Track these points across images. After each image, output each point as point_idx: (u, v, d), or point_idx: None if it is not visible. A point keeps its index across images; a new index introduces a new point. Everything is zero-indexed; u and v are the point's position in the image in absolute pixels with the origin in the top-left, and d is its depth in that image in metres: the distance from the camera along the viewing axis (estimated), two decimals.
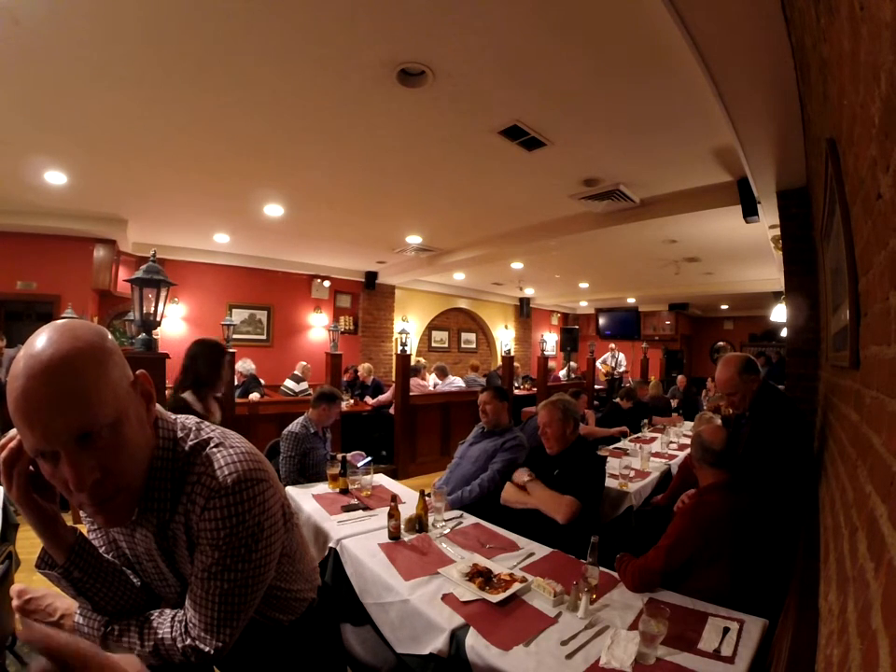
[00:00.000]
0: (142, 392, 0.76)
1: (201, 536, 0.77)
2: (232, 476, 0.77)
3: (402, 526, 1.97)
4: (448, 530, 2.03)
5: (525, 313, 11.39)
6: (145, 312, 3.12)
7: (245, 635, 0.86)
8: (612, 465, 2.87)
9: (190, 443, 0.82)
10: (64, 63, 2.28)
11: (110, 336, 0.74)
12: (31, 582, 0.90)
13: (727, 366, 2.09)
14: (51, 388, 0.62)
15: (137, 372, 0.77)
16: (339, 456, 2.67)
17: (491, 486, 2.44)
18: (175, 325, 6.41)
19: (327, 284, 7.79)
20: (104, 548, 0.92)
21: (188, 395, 2.14)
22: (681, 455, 3.47)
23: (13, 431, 0.69)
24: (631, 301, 10.24)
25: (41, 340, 0.65)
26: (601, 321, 11.05)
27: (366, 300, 8.30)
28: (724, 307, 10.54)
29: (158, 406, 0.83)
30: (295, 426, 2.85)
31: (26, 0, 1.86)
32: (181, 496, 0.79)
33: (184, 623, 0.82)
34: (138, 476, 0.75)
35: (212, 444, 0.82)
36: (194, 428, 0.85)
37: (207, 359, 2.23)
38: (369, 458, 2.88)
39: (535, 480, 2.15)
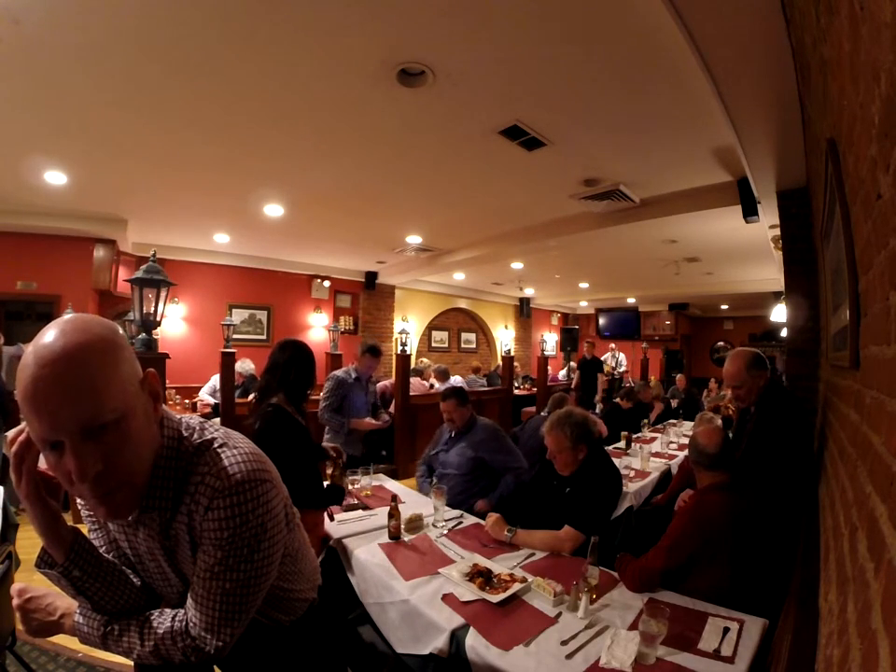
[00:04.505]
0: (150, 391, 0.76)
1: (204, 536, 0.77)
2: (236, 476, 0.77)
3: (402, 526, 1.97)
4: (448, 530, 2.03)
5: (525, 313, 11.38)
6: (145, 312, 3.14)
7: (245, 635, 0.86)
8: None
9: (195, 443, 0.82)
10: (64, 62, 2.28)
11: (121, 331, 0.75)
12: (31, 582, 0.90)
13: (735, 359, 2.11)
14: (61, 378, 0.61)
15: (147, 371, 0.77)
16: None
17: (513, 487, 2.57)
18: (175, 325, 6.40)
19: (327, 284, 7.78)
20: (104, 548, 0.91)
21: (281, 400, 1.91)
22: (681, 454, 3.48)
23: (24, 424, 0.69)
24: (631, 301, 10.23)
25: (53, 331, 0.65)
26: (601, 321, 11.04)
27: (366, 300, 8.29)
28: (724, 307, 10.54)
29: (163, 406, 0.83)
30: (340, 370, 3.31)
31: (26, 0, 1.86)
32: (184, 495, 0.79)
33: (184, 623, 0.82)
34: (141, 472, 0.75)
35: (216, 444, 0.82)
36: (198, 428, 0.85)
37: (300, 363, 1.97)
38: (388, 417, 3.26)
39: (515, 530, 1.90)
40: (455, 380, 6.71)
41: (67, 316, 0.69)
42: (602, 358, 9.42)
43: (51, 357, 0.61)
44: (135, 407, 0.70)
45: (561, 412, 2.16)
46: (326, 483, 2.09)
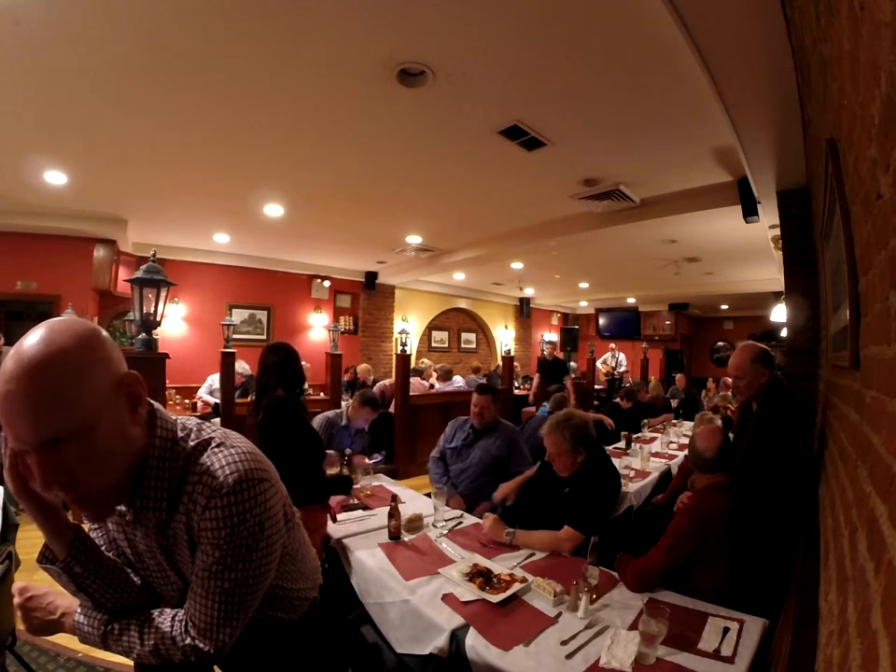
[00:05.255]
0: (128, 394, 0.74)
1: (202, 535, 0.78)
2: (234, 475, 0.77)
3: (402, 526, 1.97)
4: (448, 530, 2.03)
5: (525, 313, 11.39)
6: (145, 312, 3.14)
7: (247, 634, 0.86)
8: None
9: (192, 443, 0.82)
10: (64, 62, 2.28)
11: (102, 334, 0.73)
12: (31, 582, 0.90)
13: (742, 351, 2.12)
14: (20, 395, 0.63)
15: (125, 374, 0.74)
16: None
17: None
18: (175, 325, 6.41)
19: (327, 284, 7.79)
20: (104, 547, 0.92)
21: (281, 394, 2.03)
22: (681, 454, 3.47)
23: None
24: (631, 301, 10.24)
25: (26, 341, 0.66)
26: (601, 321, 11.04)
27: (366, 300, 8.30)
28: (724, 307, 10.54)
29: (158, 406, 0.83)
30: (332, 412, 3.14)
31: (26, 0, 1.86)
32: (182, 495, 0.79)
33: (184, 623, 0.82)
34: (112, 479, 0.74)
35: (213, 444, 0.82)
36: (195, 429, 0.85)
37: (293, 361, 2.11)
38: (378, 457, 3.07)
39: (514, 531, 1.89)
40: (456, 380, 6.70)
41: (45, 324, 0.69)
42: (602, 359, 9.43)
43: (14, 374, 0.63)
44: (99, 419, 0.69)
45: (560, 414, 2.14)
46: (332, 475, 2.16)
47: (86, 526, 0.90)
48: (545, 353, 6.53)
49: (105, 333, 0.75)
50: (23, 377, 0.63)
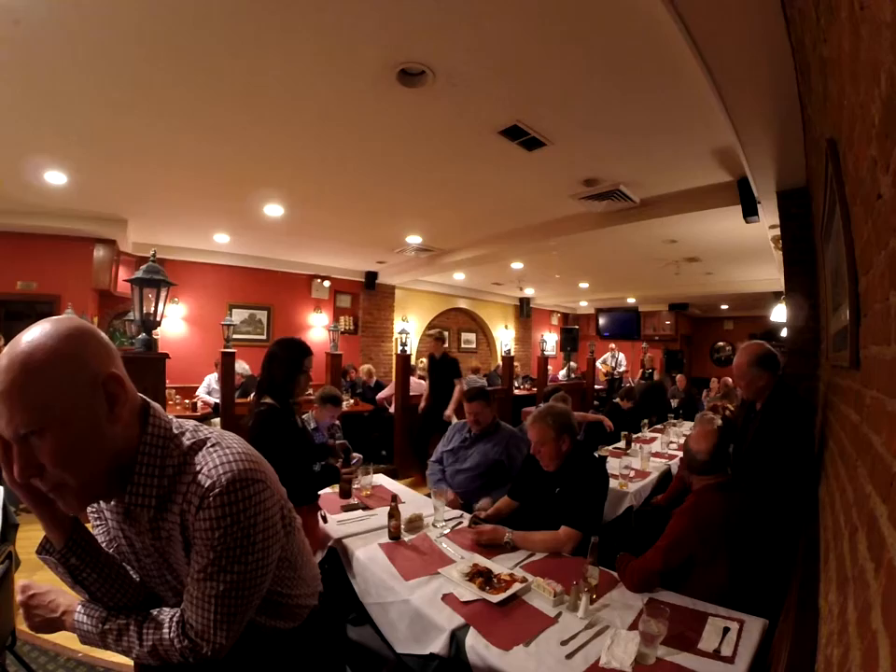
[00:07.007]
0: (106, 394, 0.74)
1: (196, 536, 0.77)
2: (227, 475, 0.77)
3: (402, 526, 1.97)
4: (448, 530, 2.03)
5: (525, 313, 11.39)
6: (145, 312, 3.13)
7: (245, 641, 0.85)
8: (612, 465, 2.88)
9: (187, 443, 0.82)
10: (64, 63, 2.28)
11: (87, 333, 0.74)
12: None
13: (741, 354, 2.14)
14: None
15: (105, 374, 0.74)
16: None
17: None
18: (175, 325, 6.40)
19: (327, 284, 7.79)
20: (105, 543, 0.92)
21: (272, 399, 1.95)
22: (681, 454, 3.47)
23: None
24: (631, 301, 10.23)
25: (13, 341, 0.70)
26: (601, 321, 11.04)
27: (366, 300, 8.30)
28: (724, 307, 10.54)
29: (155, 405, 0.83)
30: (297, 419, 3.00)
31: (26, 0, 1.86)
32: (176, 495, 0.79)
33: (181, 624, 0.81)
34: (86, 473, 0.74)
35: (208, 444, 0.82)
36: (191, 428, 0.85)
37: (283, 361, 1.96)
38: (359, 456, 2.97)
39: (513, 533, 1.89)
40: None
41: (39, 322, 0.72)
42: (602, 359, 9.43)
43: None
44: (68, 416, 0.70)
45: (543, 406, 2.18)
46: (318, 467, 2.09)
47: (89, 525, 0.91)
48: (433, 350, 5.15)
49: (93, 331, 0.76)
50: (0, 374, 0.67)
